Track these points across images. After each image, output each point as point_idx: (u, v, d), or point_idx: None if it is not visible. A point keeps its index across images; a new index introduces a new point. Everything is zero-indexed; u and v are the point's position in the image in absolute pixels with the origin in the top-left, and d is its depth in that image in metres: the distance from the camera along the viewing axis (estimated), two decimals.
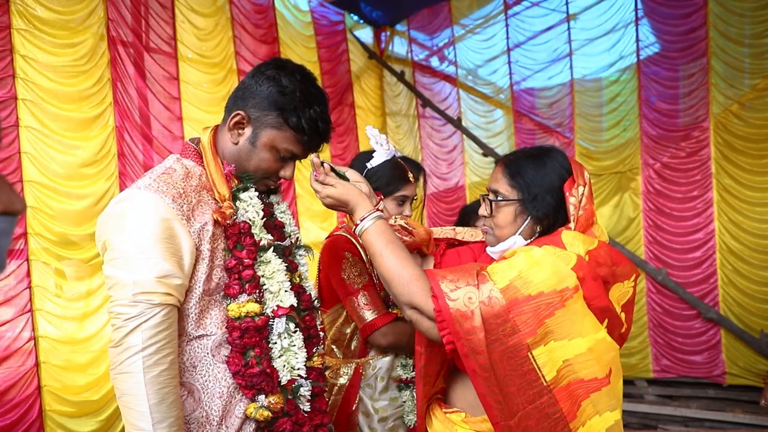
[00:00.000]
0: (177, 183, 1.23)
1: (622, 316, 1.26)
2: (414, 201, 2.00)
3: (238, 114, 1.28)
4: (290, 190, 4.26)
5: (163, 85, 3.38)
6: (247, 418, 1.27)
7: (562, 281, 1.14)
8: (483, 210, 1.39)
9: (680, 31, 4.48)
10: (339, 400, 1.94)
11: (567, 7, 4.87)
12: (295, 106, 1.26)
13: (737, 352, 4.27)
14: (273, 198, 1.45)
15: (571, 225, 1.28)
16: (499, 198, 1.34)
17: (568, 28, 4.88)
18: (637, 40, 4.62)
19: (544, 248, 1.19)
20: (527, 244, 1.32)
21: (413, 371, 1.95)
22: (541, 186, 1.29)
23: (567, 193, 1.28)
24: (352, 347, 1.98)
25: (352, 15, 5.23)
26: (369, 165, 1.95)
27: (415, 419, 1.94)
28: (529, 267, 1.15)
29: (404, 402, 1.95)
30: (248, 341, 1.26)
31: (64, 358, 2.72)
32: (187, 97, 3.55)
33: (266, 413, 1.26)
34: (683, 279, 4.46)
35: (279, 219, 1.45)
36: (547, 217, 1.30)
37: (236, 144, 1.31)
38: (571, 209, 1.28)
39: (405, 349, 1.92)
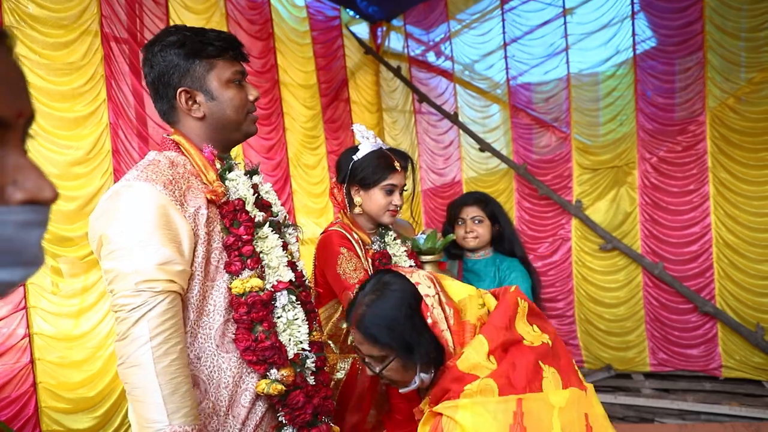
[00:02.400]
0: (164, 171, 1.23)
1: (537, 336, 1.24)
2: (404, 191, 2.01)
3: (181, 92, 1.29)
4: (286, 186, 4.25)
5: None
6: (253, 405, 1.27)
7: (507, 420, 1.10)
8: (370, 371, 1.31)
9: (676, 25, 4.47)
10: (336, 395, 1.94)
11: (563, 2, 4.85)
12: (200, 41, 1.29)
13: (733, 345, 4.29)
14: (255, 178, 1.45)
15: (451, 347, 1.22)
16: (380, 363, 1.27)
17: (565, 23, 4.87)
18: (634, 35, 4.61)
19: (462, 407, 1.14)
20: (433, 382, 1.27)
21: None
22: (403, 329, 1.22)
23: (428, 322, 1.22)
24: (349, 342, 1.98)
25: (347, 10, 5.20)
26: (355, 158, 1.96)
27: None
28: None
29: None
30: (256, 316, 1.26)
31: (59, 354, 2.71)
32: None
33: (280, 387, 1.26)
34: (680, 273, 4.46)
35: (265, 199, 1.45)
36: (433, 350, 1.24)
37: (203, 116, 1.32)
38: (444, 335, 1.22)
39: None
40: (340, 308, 1.98)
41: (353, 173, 1.97)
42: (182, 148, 1.33)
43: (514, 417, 1.12)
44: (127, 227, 1.14)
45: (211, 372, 1.24)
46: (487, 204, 2.58)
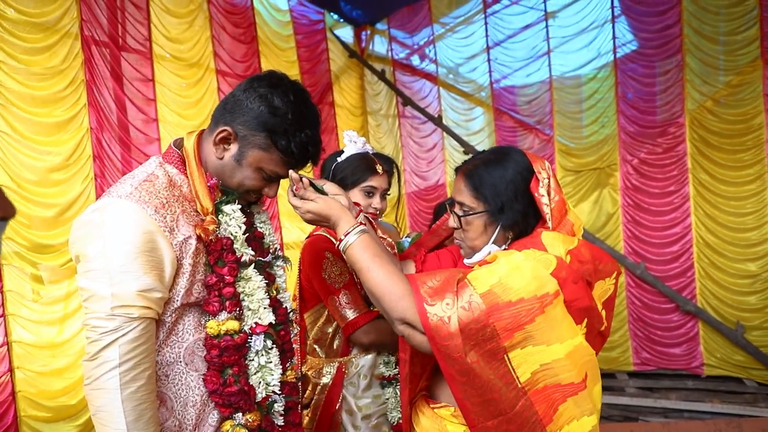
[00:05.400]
0: (160, 192, 1.18)
1: (603, 313, 1.25)
2: (387, 195, 2.01)
3: (225, 130, 1.22)
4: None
5: (138, 86, 3.34)
6: (220, 424, 1.26)
7: (543, 287, 1.12)
8: (452, 222, 1.36)
9: (656, 28, 4.54)
10: (322, 400, 1.93)
11: (545, 5, 4.91)
12: (286, 129, 1.20)
13: (714, 343, 4.36)
14: (254, 208, 1.41)
15: (549, 224, 1.26)
16: (465, 211, 1.31)
17: (547, 27, 4.93)
18: (614, 38, 4.68)
19: (524, 253, 1.18)
20: (507, 247, 1.30)
21: (396, 368, 1.95)
22: (506, 193, 1.27)
23: (535, 194, 1.27)
24: (335, 346, 1.98)
25: (332, 14, 5.21)
26: (339, 160, 1.96)
27: (399, 416, 1.94)
28: (509, 273, 1.13)
29: (387, 399, 1.95)
30: (227, 360, 1.24)
31: (39, 362, 2.66)
32: (163, 99, 3.51)
33: (243, 431, 1.25)
34: (661, 273, 4.53)
35: (259, 230, 1.41)
36: (518, 224, 1.28)
37: (221, 159, 1.25)
38: (545, 209, 1.26)
39: (387, 347, 1.92)
40: (326, 312, 1.97)
41: (335, 175, 1.96)
42: (188, 168, 1.27)
43: (545, 296, 1.12)
44: (109, 249, 1.11)
45: (178, 390, 1.22)
46: None
